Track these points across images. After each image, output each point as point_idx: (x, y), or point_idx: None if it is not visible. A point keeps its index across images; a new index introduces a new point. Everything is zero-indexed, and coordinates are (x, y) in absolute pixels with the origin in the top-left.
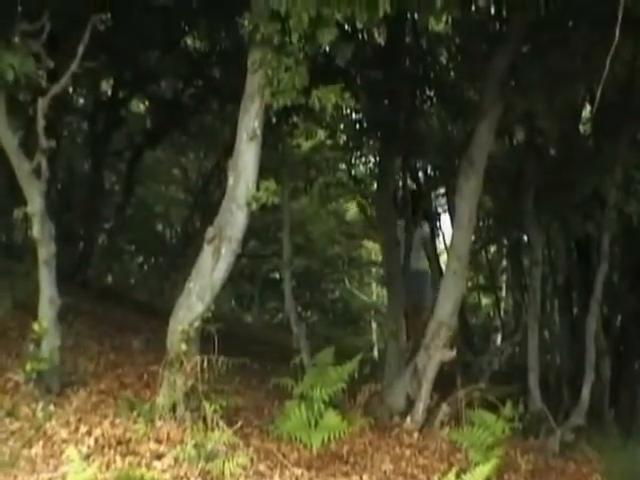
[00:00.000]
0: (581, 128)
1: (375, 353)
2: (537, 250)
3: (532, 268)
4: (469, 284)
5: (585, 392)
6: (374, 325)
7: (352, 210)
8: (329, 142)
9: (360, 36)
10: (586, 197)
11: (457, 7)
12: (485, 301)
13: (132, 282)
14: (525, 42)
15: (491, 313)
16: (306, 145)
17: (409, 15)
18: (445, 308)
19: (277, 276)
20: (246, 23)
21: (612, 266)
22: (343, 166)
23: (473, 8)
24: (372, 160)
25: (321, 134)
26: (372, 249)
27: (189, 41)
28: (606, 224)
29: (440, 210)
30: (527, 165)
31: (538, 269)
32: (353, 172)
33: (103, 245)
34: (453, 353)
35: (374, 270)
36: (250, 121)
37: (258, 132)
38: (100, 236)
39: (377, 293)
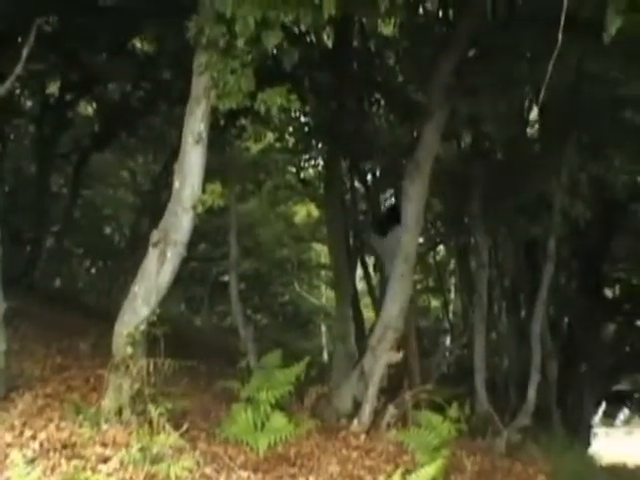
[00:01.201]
0: (529, 131)
1: (325, 356)
2: (484, 253)
3: (479, 271)
4: (418, 286)
5: (531, 393)
6: (324, 328)
7: (301, 213)
8: (278, 145)
9: (308, 39)
10: (533, 200)
11: (403, 10)
12: (434, 303)
13: (80, 285)
14: (471, 46)
15: (440, 315)
16: (255, 148)
17: (357, 18)
18: (392, 311)
19: (227, 279)
20: (191, 26)
21: (559, 268)
22: (292, 169)
23: (420, 11)
24: (321, 163)
25: (270, 137)
26: (321, 252)
27: (137, 43)
28: (552, 227)
29: None
30: (474, 168)
31: (485, 272)
32: (302, 175)
33: (51, 248)
34: (399, 355)
35: (323, 273)
36: (196, 124)
37: (204, 135)
38: (48, 239)
39: (326, 296)
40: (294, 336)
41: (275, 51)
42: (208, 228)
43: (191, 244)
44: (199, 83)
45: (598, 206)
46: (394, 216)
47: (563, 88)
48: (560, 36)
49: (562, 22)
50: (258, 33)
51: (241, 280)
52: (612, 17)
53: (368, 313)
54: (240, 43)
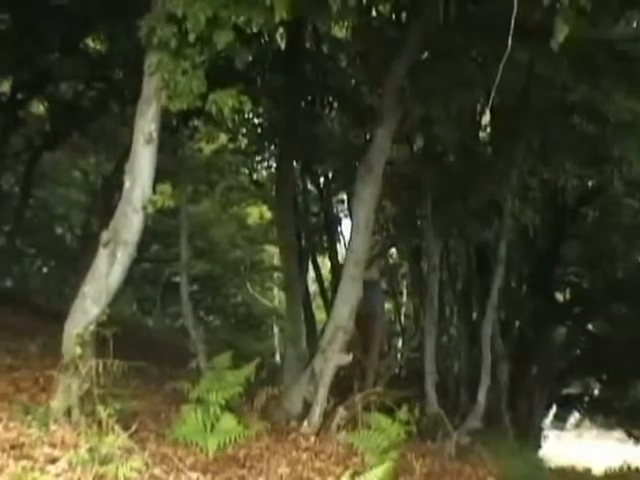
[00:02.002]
0: (481, 135)
1: (277, 358)
2: (434, 256)
3: (430, 274)
4: None
5: (481, 396)
6: (276, 330)
7: (254, 214)
8: (231, 146)
9: (261, 40)
10: (484, 204)
11: (355, 13)
12: (387, 306)
13: (32, 285)
14: (423, 49)
15: (392, 318)
16: (208, 149)
17: (310, 21)
18: (342, 312)
19: (179, 280)
20: (143, 26)
21: (511, 272)
22: (245, 170)
23: (373, 14)
24: (274, 165)
25: (223, 138)
26: (274, 254)
27: (90, 43)
28: (503, 231)
29: (342, 215)
30: (426, 171)
31: (436, 275)
32: (255, 176)
33: (2, 248)
34: (349, 357)
35: (276, 275)
36: (147, 124)
37: (155, 135)
38: None
39: (279, 298)
40: (246, 338)
41: (227, 52)
42: (160, 229)
43: (143, 245)
44: (150, 83)
45: (549, 210)
46: None
47: (514, 93)
48: (510, 40)
49: (512, 27)
50: (209, 33)
51: (194, 281)
52: (560, 25)
53: (321, 315)
54: (191, 38)
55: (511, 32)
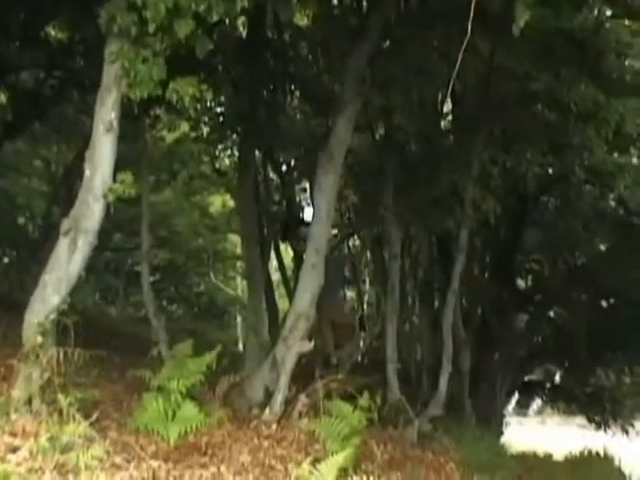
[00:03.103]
0: (442, 124)
1: (240, 346)
2: (396, 244)
3: (391, 262)
4: None
5: (442, 383)
6: (239, 319)
7: (216, 203)
8: (193, 134)
9: (222, 29)
10: (445, 192)
11: (315, 1)
12: (349, 294)
13: None
14: (384, 38)
15: (355, 306)
16: (169, 137)
17: (271, 9)
18: (303, 300)
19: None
20: (103, 14)
21: (473, 260)
22: (207, 159)
23: (334, 2)
24: (236, 153)
25: (185, 126)
26: (237, 242)
27: (50, 31)
28: (464, 219)
29: (304, 204)
30: (387, 160)
31: (397, 263)
32: (217, 165)
33: None
34: (311, 345)
35: (239, 264)
36: (107, 113)
37: (115, 124)
38: None
39: (242, 287)
40: (209, 326)
41: (188, 40)
42: (123, 218)
43: (105, 234)
44: (110, 72)
45: (510, 198)
46: None
47: (475, 81)
48: (470, 28)
49: (472, 13)
50: (170, 21)
51: (156, 270)
52: (520, 10)
53: (284, 304)
54: (151, 29)
55: (471, 17)
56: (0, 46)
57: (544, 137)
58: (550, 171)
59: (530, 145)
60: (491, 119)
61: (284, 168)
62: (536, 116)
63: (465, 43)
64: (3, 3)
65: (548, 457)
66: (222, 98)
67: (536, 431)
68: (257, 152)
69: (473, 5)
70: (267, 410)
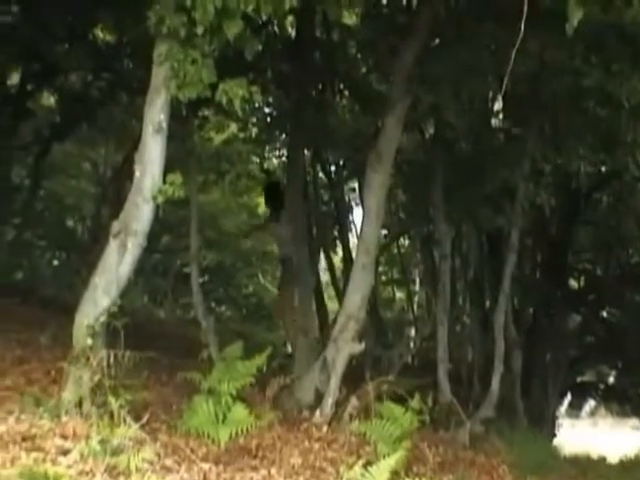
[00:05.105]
0: (493, 122)
1: (289, 348)
2: (446, 244)
3: (441, 262)
4: (383, 278)
5: (494, 384)
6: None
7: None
8: (241, 135)
9: (271, 29)
10: (496, 190)
11: (363, 0)
12: (399, 295)
13: (42, 278)
14: (433, 36)
15: (405, 307)
16: (217, 138)
17: (319, 8)
18: (353, 301)
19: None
20: (152, 15)
21: (523, 259)
22: (255, 159)
23: (383, 0)
24: (284, 153)
25: (233, 127)
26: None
27: (98, 33)
28: (515, 217)
29: (353, 204)
30: (437, 158)
31: (447, 263)
32: (265, 165)
33: (12, 240)
34: (362, 346)
35: None
36: (156, 114)
37: (164, 125)
38: (8, 231)
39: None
40: (258, 328)
41: (237, 41)
42: (171, 219)
43: (154, 236)
44: (159, 73)
45: (561, 196)
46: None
47: (526, 78)
48: (523, 26)
49: (525, 11)
50: (219, 22)
51: (204, 272)
52: (573, 8)
53: (333, 305)
54: (200, 31)
55: (524, 16)
56: (47, 48)
57: (596, 134)
58: (602, 168)
59: (582, 142)
60: (542, 116)
61: (333, 168)
62: (587, 113)
63: (518, 41)
64: (48, 5)
65: (602, 460)
66: (270, 99)
67: (589, 433)
68: (305, 152)
69: (526, 4)
70: (317, 412)
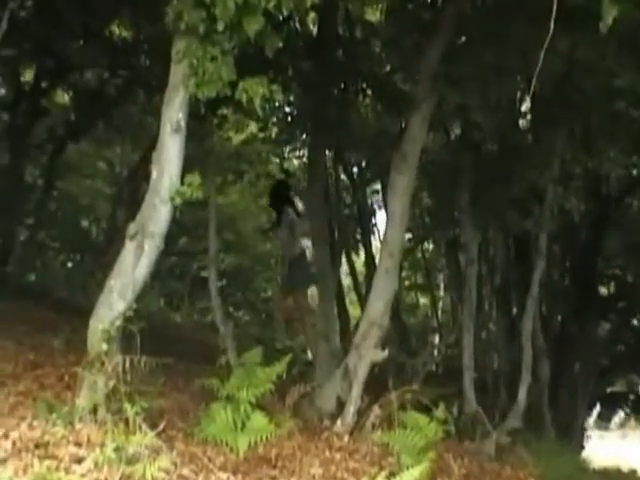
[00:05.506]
0: (521, 122)
1: (309, 354)
2: (472, 248)
3: (468, 266)
4: (407, 283)
5: (522, 394)
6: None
7: None
8: (260, 135)
9: (292, 25)
10: (524, 193)
11: None
12: (423, 300)
13: (55, 280)
14: (459, 34)
15: (429, 313)
16: (236, 138)
17: (342, 4)
18: (376, 307)
19: (208, 274)
20: (170, 11)
21: (552, 264)
22: (275, 160)
23: None
24: (305, 154)
25: (252, 127)
26: (306, 246)
27: (114, 29)
28: (544, 221)
29: (376, 206)
30: (463, 160)
31: (473, 268)
32: (285, 166)
33: (24, 241)
34: (385, 353)
35: None
36: (174, 113)
37: (182, 124)
38: (21, 232)
39: (311, 292)
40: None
41: (257, 38)
42: (189, 221)
43: (171, 238)
44: (177, 71)
45: (591, 200)
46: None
47: (555, 78)
48: (552, 24)
49: (554, 9)
50: (239, 18)
51: (222, 276)
52: (608, 6)
53: (355, 310)
54: (220, 26)
55: (554, 14)
56: (62, 44)
57: (627, 136)
58: (634, 171)
59: (613, 144)
60: (572, 117)
61: (355, 169)
62: (619, 114)
63: (548, 40)
64: (63, 0)
65: (632, 473)
66: (291, 97)
67: (618, 445)
68: (327, 153)
69: (555, 2)
70: (339, 421)
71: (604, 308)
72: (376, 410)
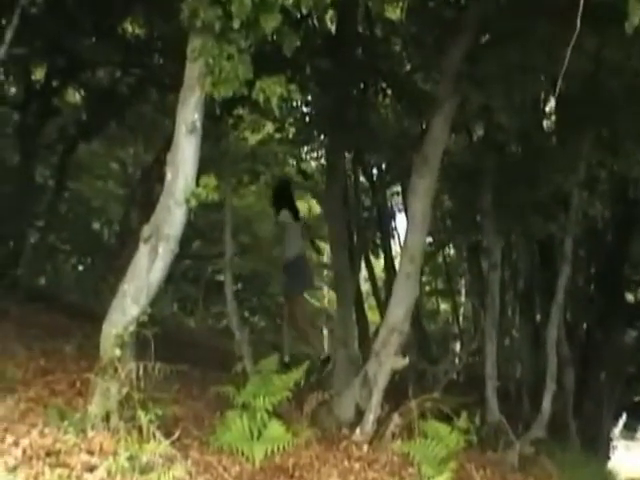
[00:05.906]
0: (545, 124)
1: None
2: (495, 253)
3: (490, 272)
4: (427, 288)
5: (546, 403)
6: (325, 331)
7: (301, 208)
8: (277, 136)
9: (310, 23)
10: (548, 197)
11: None
12: (444, 306)
13: (66, 284)
14: (482, 33)
15: (450, 319)
16: (253, 138)
17: (362, 2)
18: (397, 313)
19: (222, 278)
20: (185, 8)
21: (577, 270)
22: (292, 161)
23: None
24: (323, 155)
25: (269, 127)
26: (323, 250)
27: (127, 27)
28: (569, 226)
29: (396, 209)
30: (486, 162)
31: (496, 273)
32: (303, 168)
33: (35, 244)
34: (405, 361)
35: (325, 272)
36: (189, 113)
37: (198, 125)
38: (31, 234)
39: (329, 297)
40: (293, 340)
41: (274, 36)
42: (203, 224)
43: (185, 241)
44: (193, 69)
45: (618, 204)
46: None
47: (581, 78)
48: (578, 22)
49: (581, 8)
50: (256, 16)
51: (238, 280)
52: (634, 6)
53: (374, 316)
54: (236, 25)
55: (580, 13)
56: (72, 42)
57: None
58: None
59: None
60: (598, 119)
61: (375, 171)
62: None
63: (574, 39)
64: None
65: None
66: (309, 97)
67: None
68: (346, 154)
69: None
70: (358, 430)
71: (630, 315)
72: (396, 419)
